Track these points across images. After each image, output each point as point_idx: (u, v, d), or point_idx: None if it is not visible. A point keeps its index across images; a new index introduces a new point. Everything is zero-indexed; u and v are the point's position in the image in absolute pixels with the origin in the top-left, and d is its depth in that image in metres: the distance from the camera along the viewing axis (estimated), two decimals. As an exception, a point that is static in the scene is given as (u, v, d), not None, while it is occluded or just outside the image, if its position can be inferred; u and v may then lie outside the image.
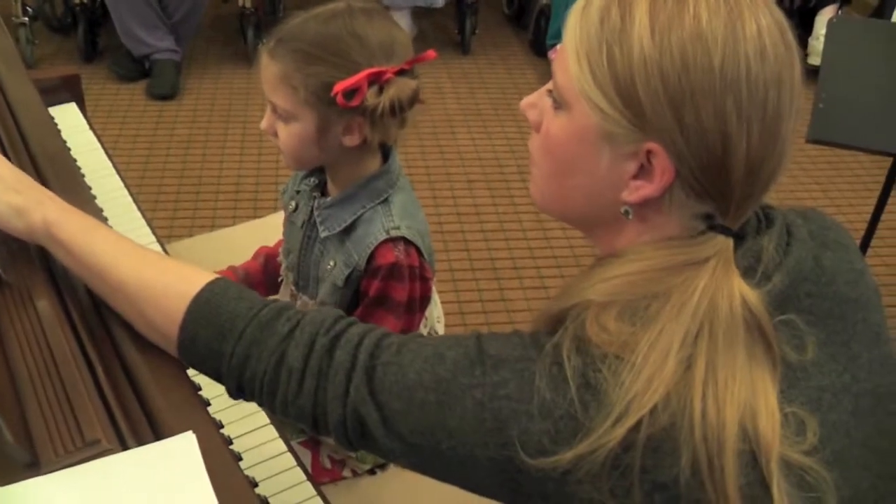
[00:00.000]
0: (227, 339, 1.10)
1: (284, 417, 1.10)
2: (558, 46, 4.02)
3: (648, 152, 0.93)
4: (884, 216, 2.71)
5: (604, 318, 0.93)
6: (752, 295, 0.92)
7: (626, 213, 0.98)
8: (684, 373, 0.89)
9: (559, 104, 0.99)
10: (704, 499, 0.87)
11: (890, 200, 2.70)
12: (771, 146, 0.92)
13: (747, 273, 0.94)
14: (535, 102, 1.05)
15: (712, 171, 0.92)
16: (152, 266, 1.17)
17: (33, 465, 0.99)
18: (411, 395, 0.98)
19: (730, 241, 0.94)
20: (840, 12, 4.59)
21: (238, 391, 1.13)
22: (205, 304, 1.12)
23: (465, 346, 0.99)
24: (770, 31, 0.91)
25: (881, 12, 4.27)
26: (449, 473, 1.00)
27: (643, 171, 0.95)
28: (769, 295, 0.94)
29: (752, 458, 0.88)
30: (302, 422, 1.08)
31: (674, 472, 0.87)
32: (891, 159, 2.55)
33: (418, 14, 4.72)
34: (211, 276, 1.15)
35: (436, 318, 1.76)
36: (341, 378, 1.03)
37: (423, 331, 1.69)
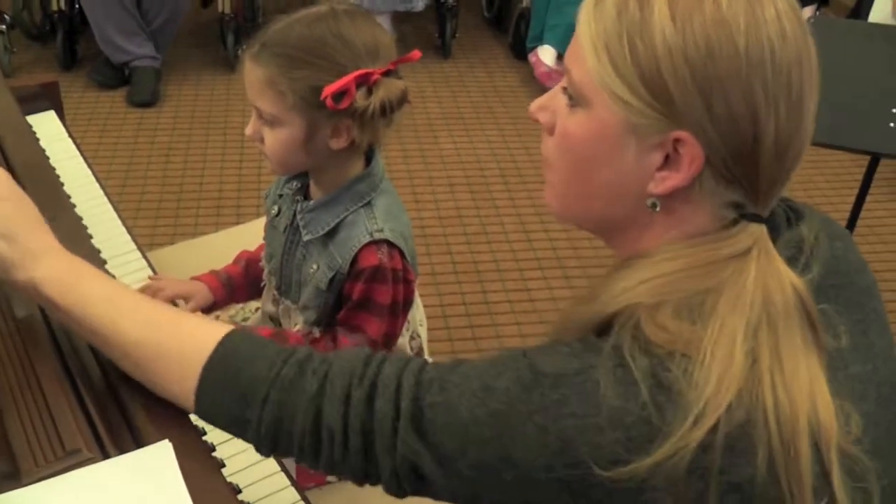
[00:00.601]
0: (251, 406, 1.04)
1: (330, 474, 1.06)
2: (538, 49, 4.02)
3: (676, 141, 0.92)
4: (863, 213, 2.73)
5: (660, 318, 0.90)
6: (799, 282, 0.92)
7: (654, 205, 0.96)
8: (752, 366, 0.88)
9: (576, 101, 0.97)
10: (777, 496, 0.86)
11: (869, 198, 2.71)
12: (797, 125, 0.93)
13: (790, 263, 0.94)
14: (546, 104, 1.03)
15: (743, 156, 0.91)
16: (155, 327, 1.10)
17: (13, 476, 0.99)
18: (466, 433, 0.93)
19: (764, 229, 0.94)
20: (818, 13, 4.61)
21: (272, 453, 1.08)
22: (220, 369, 1.06)
23: (516, 369, 0.94)
24: (787, 13, 0.92)
25: (857, 13, 4.29)
26: (510, 501, 0.95)
27: (669, 162, 0.93)
28: (811, 284, 0.93)
29: (817, 449, 0.87)
30: (351, 479, 1.04)
31: (749, 470, 0.86)
32: (869, 157, 2.57)
33: (398, 18, 4.72)
34: (220, 333, 1.08)
35: (418, 321, 1.76)
36: (387, 430, 0.97)
37: (406, 334, 1.69)
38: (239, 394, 1.04)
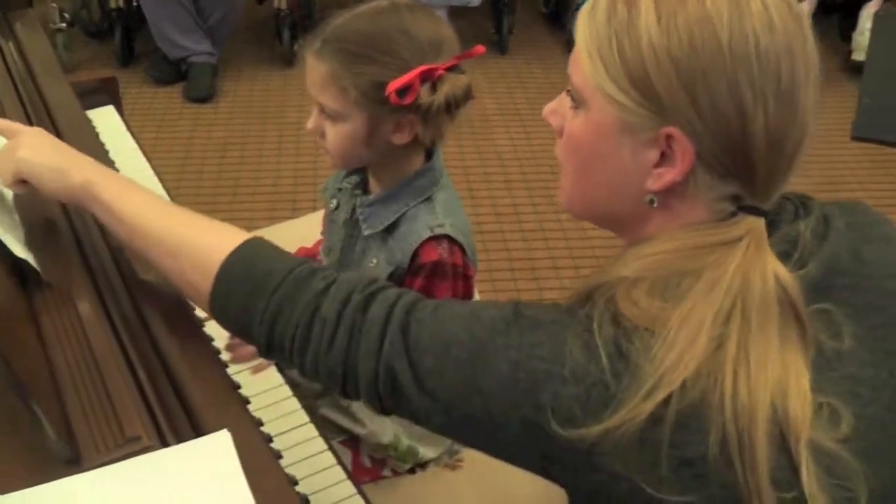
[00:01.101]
0: (261, 294, 1.09)
1: (314, 377, 1.09)
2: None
3: (668, 137, 0.94)
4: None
5: (635, 293, 0.94)
6: (787, 275, 0.93)
7: (651, 201, 0.99)
8: (715, 351, 0.89)
9: (577, 103, 1.01)
10: (733, 478, 0.87)
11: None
12: (790, 117, 0.93)
13: (783, 258, 0.94)
14: (556, 108, 1.07)
15: (732, 148, 0.93)
16: (191, 224, 1.20)
17: (75, 462, 0.99)
18: (446, 353, 0.99)
19: (761, 221, 0.95)
20: (885, 5, 4.53)
21: (268, 348, 1.11)
22: (240, 261, 1.12)
23: (502, 308, 0.99)
24: (776, 4, 0.93)
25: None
26: (479, 437, 1.01)
27: (665, 158, 0.96)
28: (804, 280, 0.94)
29: (783, 440, 0.88)
30: (331, 380, 1.08)
31: (702, 448, 0.87)
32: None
33: (454, 13, 4.70)
34: (249, 235, 1.16)
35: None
36: (375, 332, 1.03)
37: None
38: (252, 283, 1.10)
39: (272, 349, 1.11)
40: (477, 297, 1.69)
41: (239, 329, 1.14)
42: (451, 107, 1.43)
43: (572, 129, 1.03)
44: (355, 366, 1.04)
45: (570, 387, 0.91)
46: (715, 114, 0.91)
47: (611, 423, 0.88)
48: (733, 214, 0.96)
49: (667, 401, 0.87)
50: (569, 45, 4.81)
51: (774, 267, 0.93)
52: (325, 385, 1.10)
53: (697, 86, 0.91)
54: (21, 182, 1.27)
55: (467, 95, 1.44)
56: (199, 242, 1.16)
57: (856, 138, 2.23)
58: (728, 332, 0.90)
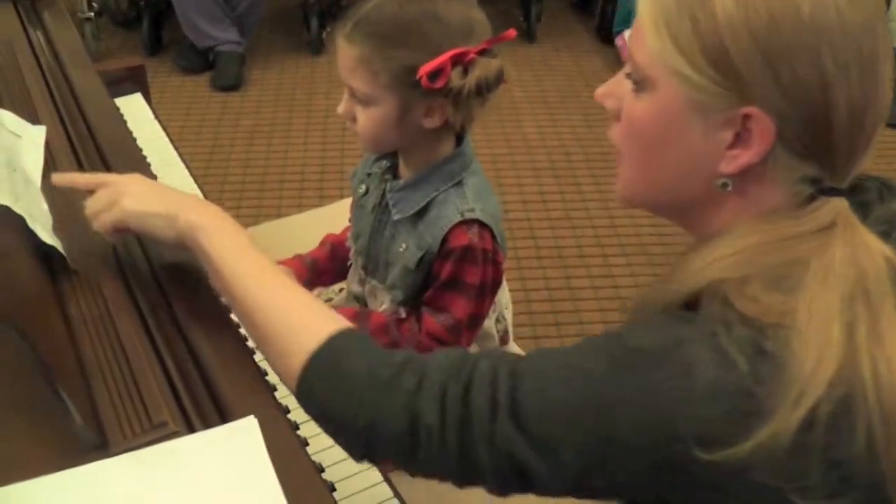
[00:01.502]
0: (349, 403, 1.02)
1: (426, 477, 1.02)
2: (626, 33, 3.98)
3: (745, 117, 0.89)
4: None
5: (750, 290, 0.88)
6: (893, 254, 0.89)
7: (724, 185, 0.94)
8: (849, 339, 0.85)
9: (641, 85, 0.96)
10: (880, 476, 0.85)
11: None
12: (871, 91, 0.90)
13: (883, 238, 0.91)
14: (611, 91, 1.02)
15: (815, 126, 0.89)
16: (282, 302, 1.11)
17: (102, 447, 0.99)
18: (567, 424, 0.91)
19: (845, 203, 0.91)
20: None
21: (367, 456, 1.05)
22: (325, 361, 1.04)
23: (608, 351, 0.92)
24: None
25: None
26: (612, 487, 0.93)
27: (739, 140, 0.91)
28: None
29: None
30: (449, 478, 1.01)
31: (850, 448, 0.84)
32: None
33: (482, 1, 4.69)
34: (339, 327, 1.07)
35: (504, 304, 1.74)
36: (485, 423, 0.94)
37: (492, 315, 1.67)
38: (339, 391, 1.03)
39: (374, 455, 1.05)
40: (505, 284, 1.68)
41: (332, 431, 1.07)
42: (483, 90, 1.42)
43: (634, 111, 0.98)
44: (473, 462, 0.96)
45: (708, 407, 0.85)
46: (798, 89, 0.87)
47: (762, 436, 0.83)
48: (811, 198, 0.92)
49: (816, 405, 0.83)
50: (597, 32, 4.79)
51: (880, 248, 0.89)
52: (439, 480, 1.03)
53: (779, 60, 0.87)
54: (118, 230, 1.23)
55: (499, 79, 1.43)
56: (284, 326, 1.08)
57: (892, 125, 2.19)
58: (855, 316, 0.86)
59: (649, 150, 0.98)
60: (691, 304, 0.93)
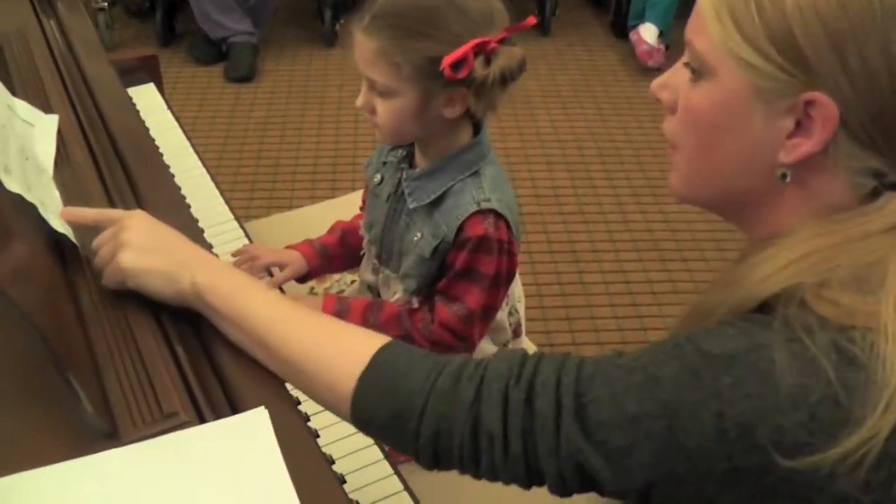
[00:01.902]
0: (408, 419, 1.00)
1: (492, 481, 1.01)
2: (640, 27, 3.95)
3: (807, 104, 0.87)
4: None
5: (828, 293, 0.86)
6: None
7: (784, 176, 0.92)
8: None
9: (700, 73, 0.94)
10: None
11: None
12: None
13: None
14: (666, 82, 1.01)
15: (881, 115, 0.87)
16: (313, 335, 1.09)
17: (112, 436, 0.99)
18: (636, 429, 0.88)
19: None
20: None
21: (434, 466, 1.03)
22: (375, 384, 1.03)
23: (681, 356, 0.89)
24: None
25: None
26: (680, 496, 0.90)
27: (801, 128, 0.89)
28: None
29: None
30: (513, 483, 0.99)
31: None
32: None
33: (497, -5, 4.68)
34: (376, 345, 1.05)
35: (517, 297, 1.74)
36: (550, 429, 0.93)
37: (505, 308, 1.66)
38: (395, 408, 1.01)
39: (440, 465, 1.02)
40: (518, 276, 1.68)
41: (397, 448, 1.06)
42: (507, 79, 1.41)
43: (692, 101, 0.96)
44: (538, 467, 0.95)
45: (791, 414, 0.82)
46: (865, 75, 0.85)
47: (850, 444, 0.80)
48: (874, 192, 0.90)
49: None
50: (612, 27, 4.78)
51: None
52: (506, 484, 1.01)
53: (847, 45, 0.85)
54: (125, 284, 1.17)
55: (522, 67, 1.43)
56: (324, 360, 1.06)
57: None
58: None
59: (708, 140, 0.97)
60: (762, 308, 0.91)
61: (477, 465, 0.99)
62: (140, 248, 1.15)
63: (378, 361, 1.04)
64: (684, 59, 0.97)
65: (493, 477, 0.99)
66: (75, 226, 1.24)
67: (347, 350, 1.06)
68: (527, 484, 0.98)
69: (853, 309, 0.84)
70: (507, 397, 0.95)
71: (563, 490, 0.96)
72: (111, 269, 1.16)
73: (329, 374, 1.06)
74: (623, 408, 0.89)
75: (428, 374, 1.01)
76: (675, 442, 0.87)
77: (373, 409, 1.03)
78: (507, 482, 1.00)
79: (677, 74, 0.99)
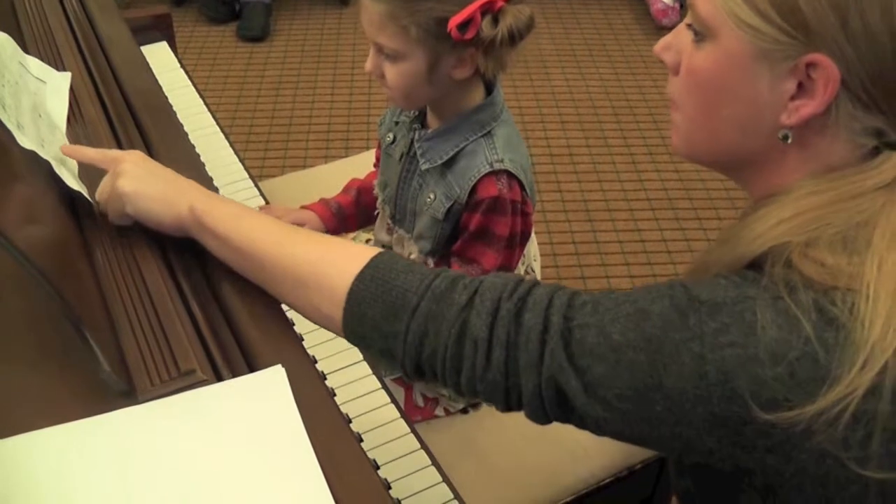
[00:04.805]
0: (400, 316, 1.01)
1: (472, 396, 1.03)
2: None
3: (808, 66, 0.88)
4: None
5: (815, 253, 0.87)
6: None
7: (785, 137, 0.93)
8: None
9: (702, 35, 0.95)
10: None
11: None
12: None
13: None
14: (670, 43, 1.01)
15: (882, 76, 0.86)
16: (310, 246, 1.11)
17: (129, 394, 0.99)
18: (618, 358, 0.90)
19: None
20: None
21: (417, 372, 1.04)
22: (370, 281, 1.04)
23: (671, 296, 0.90)
24: None
25: None
26: (657, 437, 0.92)
27: (802, 90, 0.90)
28: None
29: None
30: (492, 399, 1.00)
31: None
32: None
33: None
34: (374, 251, 1.08)
35: (532, 256, 1.73)
36: (534, 344, 0.94)
37: (521, 268, 1.66)
38: (388, 305, 1.02)
39: (422, 372, 1.04)
40: (533, 236, 1.67)
41: (381, 353, 1.06)
42: (515, 39, 1.39)
43: (695, 63, 0.96)
44: (516, 382, 0.96)
45: (770, 367, 0.83)
46: (866, 37, 0.85)
47: (826, 401, 0.81)
48: (875, 152, 0.90)
49: (883, 369, 0.82)
50: (626, -16, 4.73)
51: None
52: (484, 401, 1.03)
53: (848, 7, 0.85)
54: (126, 214, 1.19)
55: (530, 26, 1.41)
56: (322, 267, 1.08)
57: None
58: None
59: (710, 101, 0.97)
60: (755, 265, 0.92)
61: (458, 372, 1.00)
62: (139, 175, 1.19)
63: (377, 262, 1.06)
64: (687, 20, 0.97)
65: (472, 390, 1.00)
66: (95, 136, 1.29)
67: (347, 254, 1.09)
68: (503, 401, 0.99)
69: (837, 269, 0.85)
70: (498, 308, 0.97)
71: (539, 412, 0.97)
72: (111, 196, 1.19)
73: (326, 279, 1.07)
74: (608, 336, 0.91)
75: (425, 276, 1.03)
76: (654, 379, 0.88)
77: (367, 306, 1.03)
78: (485, 398, 1.01)
79: (680, 36, 0.99)
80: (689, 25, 0.97)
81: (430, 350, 1.01)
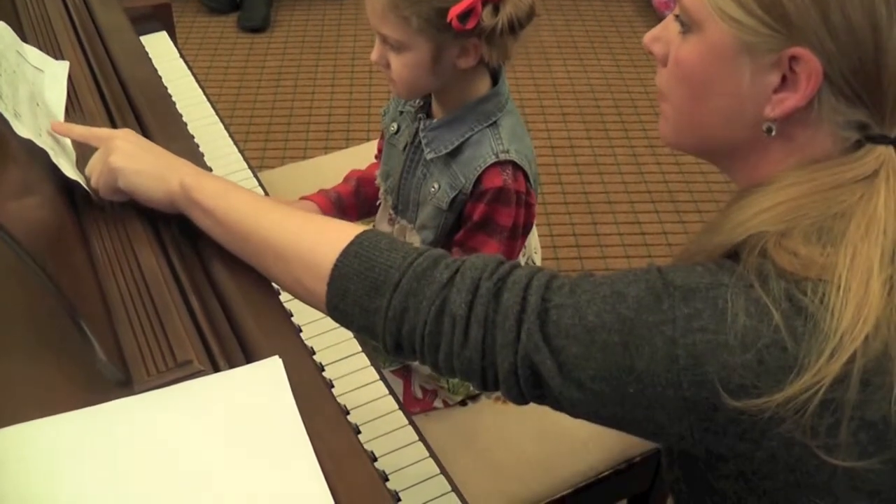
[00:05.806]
0: (382, 292, 1.03)
1: (449, 374, 1.04)
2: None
3: (791, 59, 0.88)
4: None
5: (789, 244, 0.88)
6: None
7: (769, 130, 0.94)
8: (888, 295, 0.85)
9: (688, 27, 0.96)
10: None
11: None
12: None
13: None
14: (659, 35, 1.02)
15: (864, 69, 0.87)
16: (297, 222, 1.12)
17: (125, 384, 0.99)
18: (592, 339, 0.91)
19: (892, 151, 0.90)
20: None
21: (396, 348, 1.05)
22: (354, 258, 1.05)
23: (647, 279, 0.92)
24: None
25: None
26: (630, 420, 0.94)
27: (786, 83, 0.90)
28: None
29: None
30: (469, 376, 1.02)
31: (884, 407, 0.84)
32: None
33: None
34: (360, 229, 1.09)
35: (533, 247, 1.73)
36: (511, 323, 0.95)
37: (522, 259, 1.65)
38: (370, 280, 1.04)
39: (401, 348, 1.05)
40: (534, 228, 1.67)
41: (362, 329, 1.08)
42: (516, 27, 1.39)
43: (681, 55, 0.97)
44: (493, 360, 0.98)
45: (739, 354, 0.85)
46: (847, 31, 0.86)
47: (794, 389, 0.83)
48: (858, 145, 0.91)
49: (851, 359, 0.82)
50: (628, -24, 4.72)
51: None
52: (461, 380, 1.04)
53: (829, 1, 0.85)
54: (118, 190, 1.20)
55: (531, 14, 1.41)
56: (306, 242, 1.09)
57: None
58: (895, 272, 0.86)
59: (695, 92, 0.98)
60: (734, 254, 0.93)
61: (436, 349, 1.01)
62: (131, 152, 1.20)
63: (361, 238, 1.07)
64: (675, 11, 0.98)
65: (450, 368, 1.02)
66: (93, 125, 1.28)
67: (332, 230, 1.10)
68: (480, 379, 1.01)
69: (810, 260, 0.86)
70: (478, 287, 0.98)
71: (514, 391, 0.99)
72: (103, 171, 1.19)
73: (311, 255, 1.08)
74: (584, 317, 0.92)
75: (408, 253, 1.04)
76: (626, 361, 0.90)
77: (349, 281, 1.05)
78: (462, 376, 1.02)
79: (669, 27, 1.00)
80: (676, 17, 0.98)
81: (409, 326, 1.02)
